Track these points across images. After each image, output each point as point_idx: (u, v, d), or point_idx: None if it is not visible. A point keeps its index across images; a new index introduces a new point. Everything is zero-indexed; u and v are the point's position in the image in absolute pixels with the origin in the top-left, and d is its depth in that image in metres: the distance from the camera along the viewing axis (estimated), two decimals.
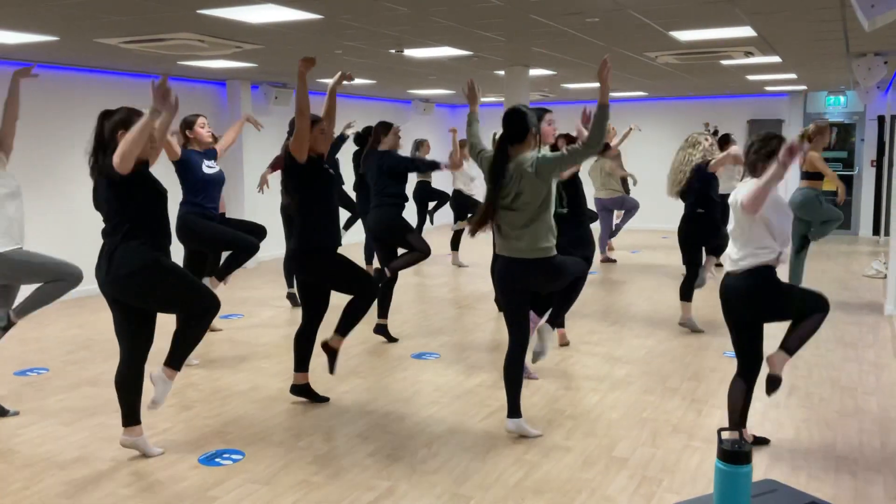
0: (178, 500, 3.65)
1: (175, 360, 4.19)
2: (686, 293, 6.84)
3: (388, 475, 3.92)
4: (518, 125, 4.26)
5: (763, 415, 4.73)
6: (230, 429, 4.59)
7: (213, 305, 4.17)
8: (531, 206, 4.20)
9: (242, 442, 4.39)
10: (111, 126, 3.91)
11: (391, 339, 6.61)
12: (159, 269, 3.99)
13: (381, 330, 6.64)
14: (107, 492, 3.75)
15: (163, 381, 4.14)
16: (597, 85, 4.13)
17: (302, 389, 5.04)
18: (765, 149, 3.95)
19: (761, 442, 4.26)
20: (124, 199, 3.92)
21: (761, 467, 3.95)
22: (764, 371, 4.08)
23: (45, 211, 8.26)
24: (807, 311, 4.05)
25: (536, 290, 4.61)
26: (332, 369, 4.97)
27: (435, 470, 3.98)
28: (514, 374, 4.39)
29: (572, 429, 4.55)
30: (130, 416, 4.14)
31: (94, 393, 5.23)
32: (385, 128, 6.49)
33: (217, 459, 4.14)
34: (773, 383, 4.12)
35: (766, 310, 4.02)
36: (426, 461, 4.09)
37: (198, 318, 4.16)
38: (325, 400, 5.07)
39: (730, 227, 4.14)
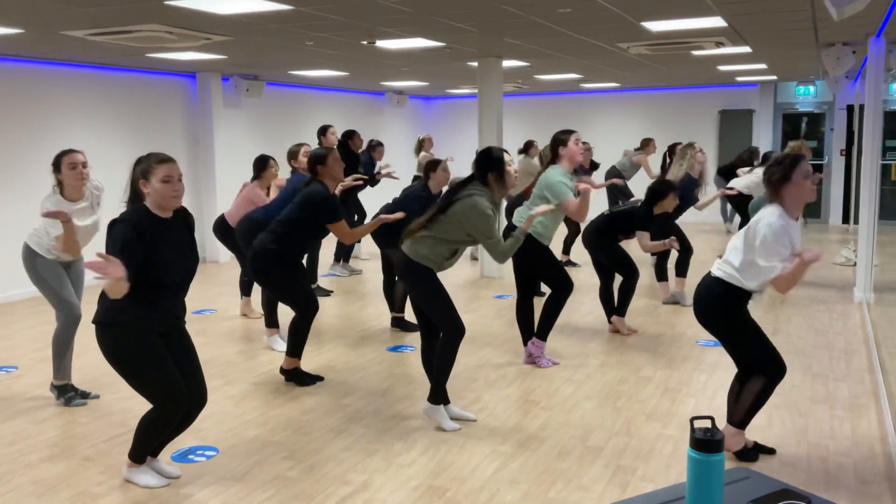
0: (152, 498, 3.61)
1: (133, 450, 3.73)
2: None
3: (364, 469, 3.91)
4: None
5: None
6: (203, 425, 4.54)
7: (178, 407, 3.58)
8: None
9: (216, 438, 4.35)
10: (133, 176, 3.52)
11: (410, 329, 6.65)
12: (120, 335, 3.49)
13: (399, 322, 6.72)
14: (78, 490, 3.70)
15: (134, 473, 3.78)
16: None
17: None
18: (777, 174, 3.65)
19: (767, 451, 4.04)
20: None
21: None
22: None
23: (10, 204, 8.13)
24: (755, 367, 3.86)
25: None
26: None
27: (410, 462, 3.97)
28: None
29: (547, 419, 4.56)
30: (138, 455, 3.76)
31: None
32: (433, 165, 6.28)
33: (190, 456, 4.10)
34: (744, 455, 3.94)
35: (714, 324, 3.85)
36: (402, 454, 4.08)
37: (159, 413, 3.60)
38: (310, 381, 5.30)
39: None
